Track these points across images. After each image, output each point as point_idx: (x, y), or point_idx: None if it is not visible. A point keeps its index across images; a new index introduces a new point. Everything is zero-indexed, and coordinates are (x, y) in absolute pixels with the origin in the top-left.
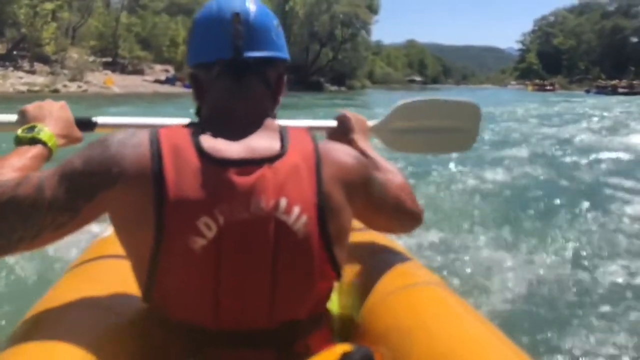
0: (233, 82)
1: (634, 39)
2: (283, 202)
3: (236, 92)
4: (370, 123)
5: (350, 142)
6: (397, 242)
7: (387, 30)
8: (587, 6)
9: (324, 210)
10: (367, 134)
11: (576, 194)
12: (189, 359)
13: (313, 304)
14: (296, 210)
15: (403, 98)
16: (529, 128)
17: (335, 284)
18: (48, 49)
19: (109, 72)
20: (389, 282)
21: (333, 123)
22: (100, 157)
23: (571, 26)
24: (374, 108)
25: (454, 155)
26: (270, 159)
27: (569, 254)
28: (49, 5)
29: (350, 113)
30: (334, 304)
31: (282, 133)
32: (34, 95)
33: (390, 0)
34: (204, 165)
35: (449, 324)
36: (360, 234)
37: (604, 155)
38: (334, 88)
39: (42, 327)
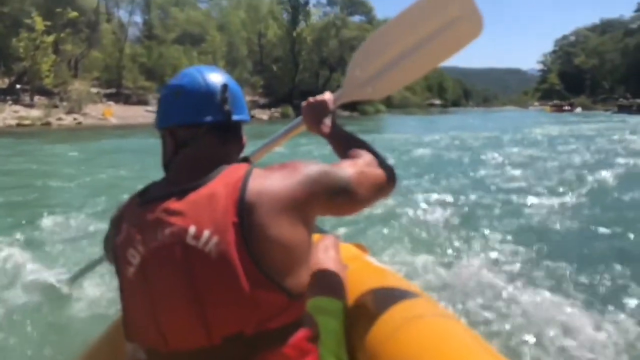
0: (218, 139)
1: None
2: (192, 228)
3: (218, 146)
4: (332, 95)
5: (314, 131)
6: (404, 278)
7: None
8: (608, 25)
9: (245, 230)
10: (327, 111)
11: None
12: None
13: (257, 319)
14: (206, 233)
15: (419, 122)
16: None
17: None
18: (47, 82)
19: (112, 103)
20: (394, 315)
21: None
22: (110, 218)
23: (593, 45)
24: (383, 132)
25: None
26: (185, 191)
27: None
28: (49, 38)
29: (308, 101)
30: (339, 326)
31: (219, 170)
32: (23, 129)
33: None
34: (137, 208)
35: (458, 356)
36: (367, 266)
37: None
38: (346, 113)
39: None
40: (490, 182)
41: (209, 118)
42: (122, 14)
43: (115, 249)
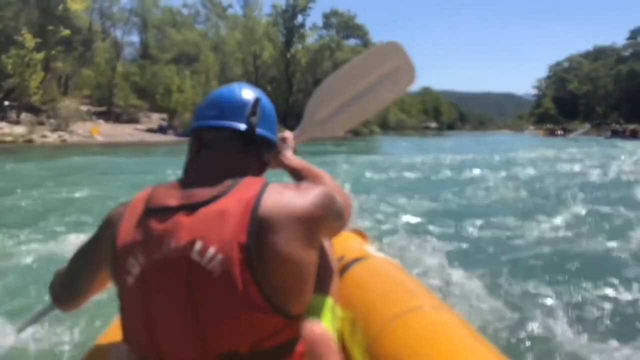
0: (239, 148)
1: None
2: (198, 244)
3: (237, 155)
4: (292, 133)
5: (276, 165)
6: (400, 265)
7: None
8: (601, 51)
9: (252, 250)
10: (288, 147)
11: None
12: None
13: (253, 338)
14: (211, 250)
15: (414, 144)
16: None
17: (329, 309)
18: (36, 99)
19: (101, 121)
20: (391, 306)
21: None
22: (102, 220)
23: (586, 71)
24: (372, 154)
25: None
26: (196, 206)
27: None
28: (39, 55)
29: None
30: (329, 323)
31: (234, 184)
32: (4, 145)
33: (407, 49)
34: (141, 215)
35: (454, 350)
36: (365, 256)
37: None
38: (339, 134)
39: None
40: (478, 203)
41: (233, 124)
42: (118, 33)
43: (113, 253)
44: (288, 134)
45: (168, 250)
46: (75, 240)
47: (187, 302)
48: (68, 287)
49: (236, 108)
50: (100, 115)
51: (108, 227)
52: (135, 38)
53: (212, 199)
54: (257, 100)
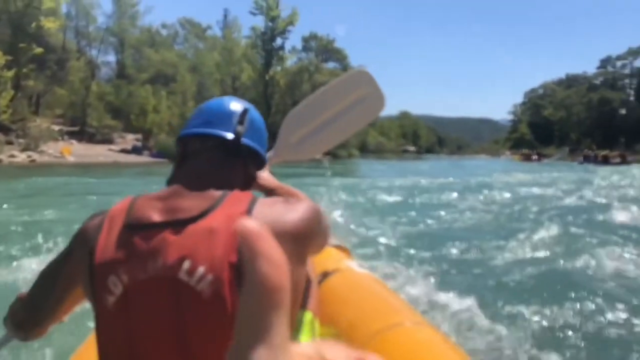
0: (223, 157)
1: (622, 111)
2: (186, 263)
3: (221, 165)
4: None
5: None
6: (381, 280)
7: None
8: (574, 79)
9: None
10: (263, 169)
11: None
12: None
13: None
14: (200, 270)
15: (390, 167)
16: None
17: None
18: (4, 117)
19: (73, 141)
20: (373, 322)
21: None
22: (74, 233)
23: (560, 98)
24: (348, 176)
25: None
26: (183, 222)
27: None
28: (9, 73)
29: None
30: (308, 338)
31: (222, 198)
32: None
33: (386, 74)
34: (122, 230)
35: None
36: (347, 272)
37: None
38: (318, 156)
39: None
40: (456, 226)
41: (218, 132)
42: (94, 52)
43: (90, 269)
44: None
45: (154, 269)
46: (33, 266)
47: (174, 323)
48: (34, 309)
49: (223, 117)
50: (73, 135)
51: (83, 240)
52: (112, 58)
53: (200, 216)
54: (245, 111)
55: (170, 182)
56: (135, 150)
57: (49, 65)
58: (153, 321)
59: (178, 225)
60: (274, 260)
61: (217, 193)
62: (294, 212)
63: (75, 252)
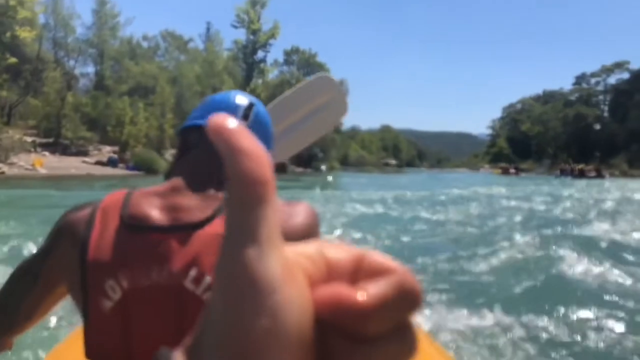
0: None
1: (597, 126)
2: (193, 271)
3: (218, 159)
4: None
5: None
6: None
7: (364, 116)
8: (550, 95)
9: None
10: None
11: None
12: None
13: None
14: (207, 279)
15: (372, 179)
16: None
17: None
18: None
19: (46, 153)
20: None
21: None
22: (56, 225)
23: (537, 113)
24: (328, 189)
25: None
26: (189, 227)
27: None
28: None
29: None
30: None
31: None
32: None
33: (367, 87)
34: (120, 230)
35: None
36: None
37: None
38: (299, 170)
39: None
40: (436, 238)
41: None
42: (72, 63)
43: (82, 268)
44: None
45: (158, 276)
46: None
47: (177, 333)
48: (6, 314)
49: (227, 110)
50: (46, 146)
51: (70, 233)
52: (91, 69)
53: (206, 221)
54: (250, 105)
55: (168, 175)
56: (111, 163)
57: (24, 76)
58: (154, 330)
59: (183, 230)
60: (255, 154)
61: (220, 194)
62: (297, 216)
63: (60, 246)
